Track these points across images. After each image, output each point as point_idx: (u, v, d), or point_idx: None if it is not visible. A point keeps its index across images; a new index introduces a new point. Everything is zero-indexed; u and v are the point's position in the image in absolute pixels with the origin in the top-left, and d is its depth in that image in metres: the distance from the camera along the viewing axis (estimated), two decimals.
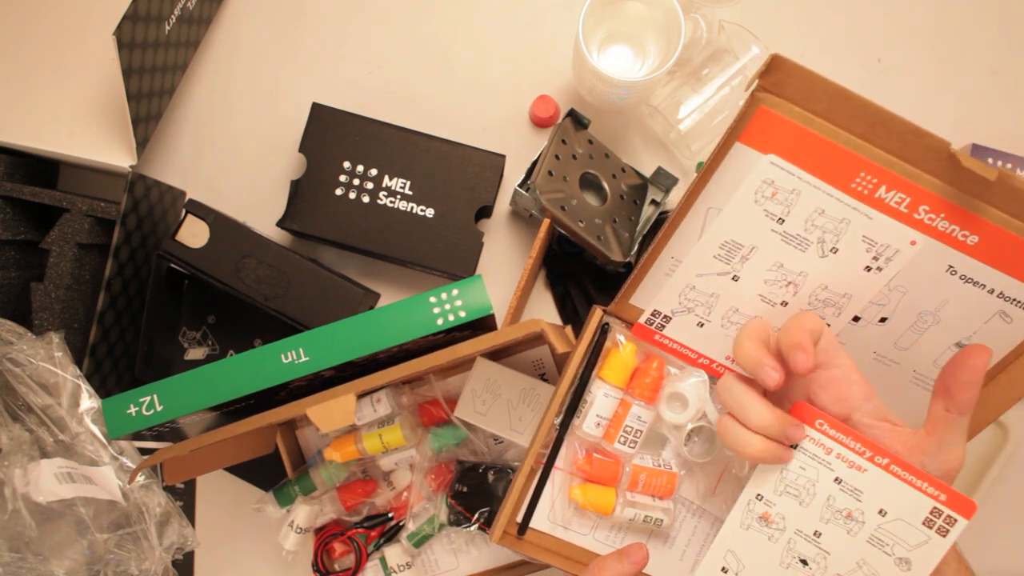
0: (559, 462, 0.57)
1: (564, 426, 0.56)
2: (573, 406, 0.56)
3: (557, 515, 0.57)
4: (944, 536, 0.48)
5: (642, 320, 0.55)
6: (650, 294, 0.56)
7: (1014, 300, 0.51)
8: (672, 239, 0.55)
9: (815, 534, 0.51)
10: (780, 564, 0.51)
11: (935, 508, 0.48)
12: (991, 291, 0.51)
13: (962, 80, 0.77)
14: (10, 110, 0.67)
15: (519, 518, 0.57)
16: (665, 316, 0.55)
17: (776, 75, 0.48)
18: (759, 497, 0.52)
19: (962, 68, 0.77)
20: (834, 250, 0.51)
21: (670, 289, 0.54)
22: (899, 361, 0.56)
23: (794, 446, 0.50)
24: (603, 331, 0.57)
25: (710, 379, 0.57)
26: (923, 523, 0.49)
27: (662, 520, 0.56)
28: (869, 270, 0.52)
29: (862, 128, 0.48)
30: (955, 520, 0.48)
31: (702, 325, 0.55)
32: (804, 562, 0.51)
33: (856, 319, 0.54)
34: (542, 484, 0.57)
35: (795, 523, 0.51)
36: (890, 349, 0.55)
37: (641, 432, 0.56)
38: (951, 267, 0.51)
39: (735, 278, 0.53)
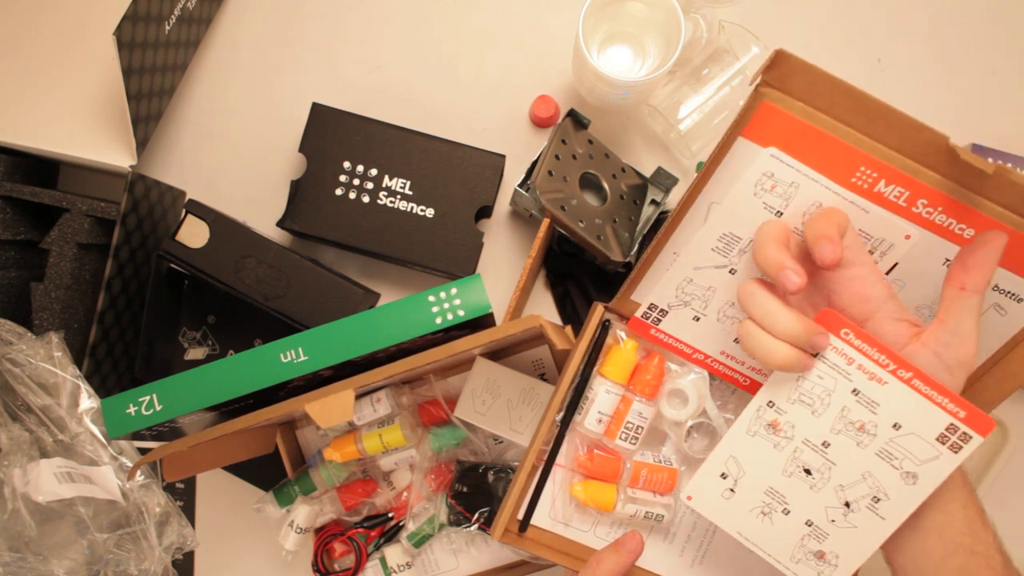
0: (560, 459, 0.57)
1: (565, 423, 0.56)
2: (574, 403, 0.56)
3: (558, 512, 0.57)
4: (956, 452, 0.48)
5: (638, 314, 0.55)
6: (650, 290, 0.56)
7: (1009, 293, 0.51)
8: (674, 234, 0.55)
9: (823, 444, 0.50)
10: (783, 472, 0.51)
11: (952, 424, 0.47)
12: None
13: (962, 80, 0.77)
14: (10, 110, 0.67)
15: (520, 515, 0.57)
16: (661, 310, 0.55)
17: (780, 70, 0.48)
18: (771, 404, 0.51)
19: (962, 68, 0.77)
20: None
21: (667, 282, 0.54)
22: None
23: (817, 355, 0.49)
24: (604, 327, 0.57)
25: (710, 376, 0.58)
26: (937, 438, 0.48)
27: (663, 516, 0.57)
28: None
29: (863, 123, 0.49)
30: (970, 437, 0.47)
31: (698, 319, 0.55)
32: (808, 471, 0.50)
33: None
34: (543, 481, 0.57)
35: (804, 432, 0.50)
36: None
37: (642, 428, 0.56)
38: (948, 260, 0.51)
39: (732, 271, 0.53)
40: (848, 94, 0.48)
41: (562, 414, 0.56)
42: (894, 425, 0.49)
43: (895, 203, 0.50)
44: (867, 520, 0.50)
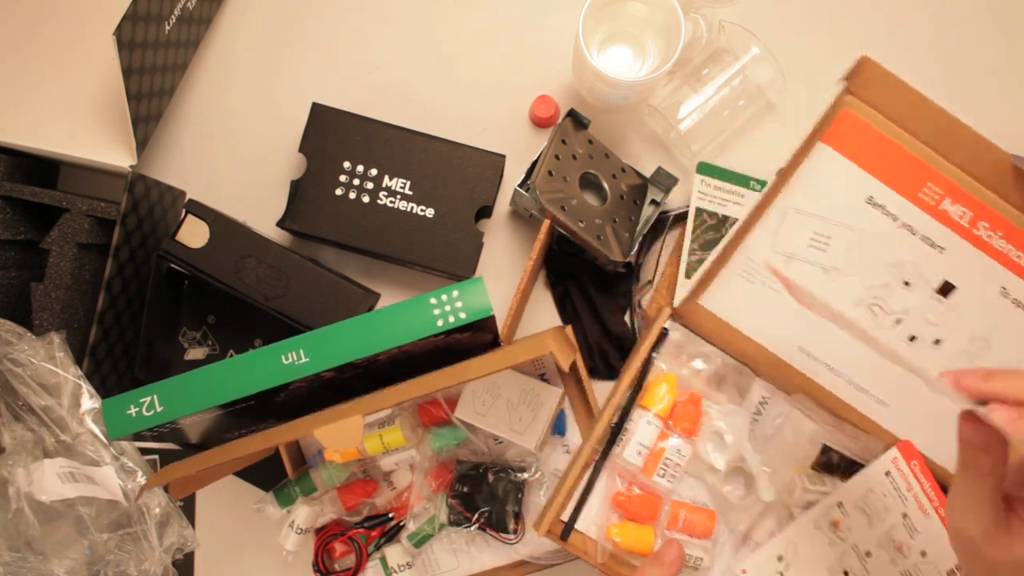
0: (603, 474, 0.57)
1: (616, 431, 0.56)
2: (629, 404, 0.56)
3: (602, 521, 0.57)
4: None
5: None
6: (720, 294, 0.56)
7: None
8: (748, 238, 0.55)
9: (867, 553, 0.55)
10: (827, 569, 0.55)
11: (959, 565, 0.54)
12: None
13: (962, 80, 0.77)
14: (10, 110, 0.67)
15: (564, 517, 0.57)
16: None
17: (863, 77, 0.49)
18: (840, 505, 0.56)
19: (962, 68, 0.77)
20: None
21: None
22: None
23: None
24: (665, 331, 0.57)
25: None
26: (947, 572, 0.53)
27: (701, 559, 0.56)
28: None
29: (934, 138, 0.50)
30: None
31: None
32: (846, 573, 0.55)
33: (912, 339, 0.54)
34: (588, 490, 0.57)
35: (856, 537, 0.55)
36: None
37: (680, 466, 0.56)
38: (1004, 289, 0.51)
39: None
40: (924, 106, 0.49)
41: (628, 394, 0.56)
42: (922, 552, 0.54)
43: (958, 223, 0.51)
44: None
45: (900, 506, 0.55)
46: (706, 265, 0.56)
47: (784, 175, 0.53)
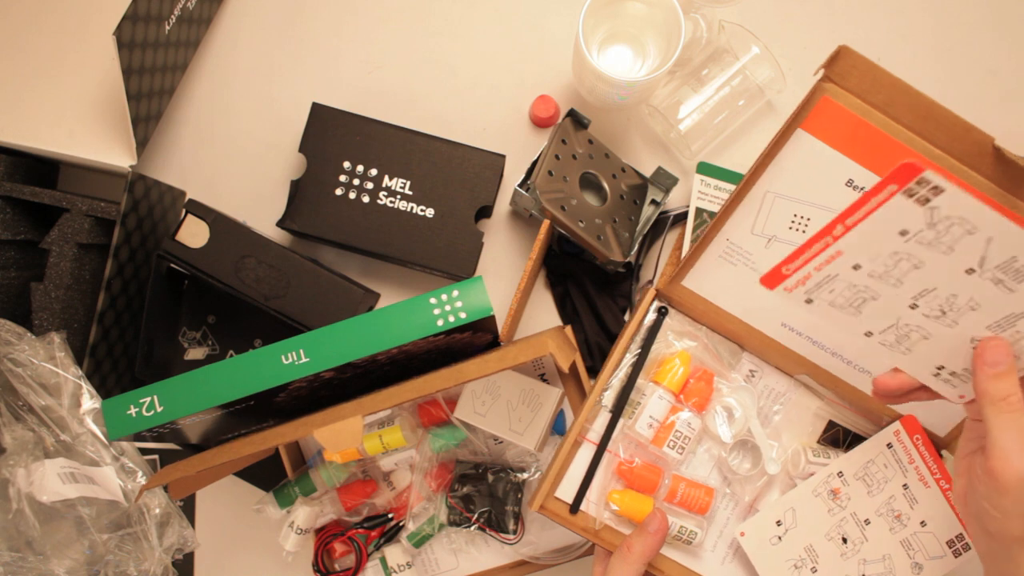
0: (608, 447, 0.58)
1: (617, 411, 0.57)
2: (626, 393, 0.57)
3: (601, 511, 0.59)
4: (957, 557, 0.57)
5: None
6: (703, 277, 0.58)
7: None
8: (728, 222, 0.57)
9: (865, 521, 0.57)
10: (825, 536, 0.57)
11: (961, 534, 0.56)
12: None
13: (962, 80, 0.77)
14: (10, 110, 0.67)
15: (558, 492, 0.58)
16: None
17: (841, 65, 0.51)
18: (840, 474, 0.58)
19: (962, 68, 0.77)
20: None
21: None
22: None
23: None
24: (661, 313, 0.58)
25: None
26: (947, 543, 0.56)
27: (696, 533, 0.57)
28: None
29: (915, 121, 0.51)
30: (970, 547, 0.56)
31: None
32: (844, 540, 0.57)
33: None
34: (594, 469, 0.58)
35: (855, 506, 0.57)
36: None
37: (689, 439, 0.57)
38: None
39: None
40: (904, 92, 0.50)
41: (609, 393, 0.57)
42: (921, 522, 0.57)
43: None
44: None
45: (901, 477, 0.57)
46: (692, 249, 0.58)
47: (763, 162, 0.54)
